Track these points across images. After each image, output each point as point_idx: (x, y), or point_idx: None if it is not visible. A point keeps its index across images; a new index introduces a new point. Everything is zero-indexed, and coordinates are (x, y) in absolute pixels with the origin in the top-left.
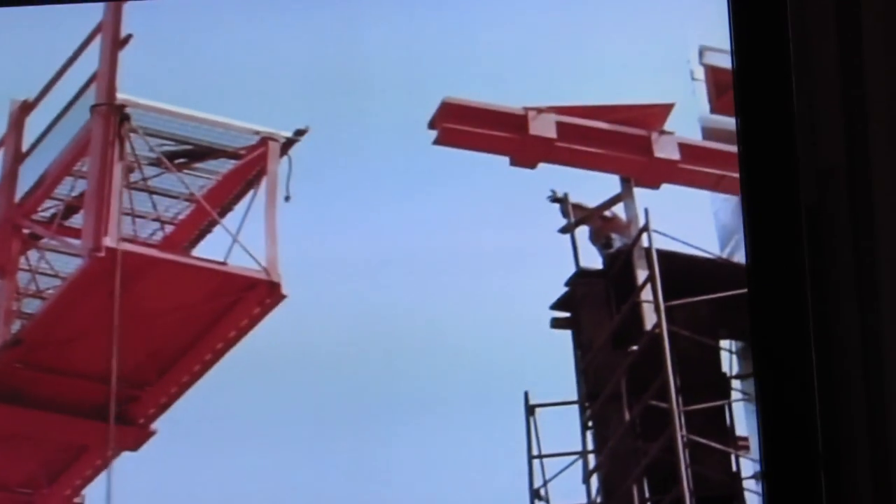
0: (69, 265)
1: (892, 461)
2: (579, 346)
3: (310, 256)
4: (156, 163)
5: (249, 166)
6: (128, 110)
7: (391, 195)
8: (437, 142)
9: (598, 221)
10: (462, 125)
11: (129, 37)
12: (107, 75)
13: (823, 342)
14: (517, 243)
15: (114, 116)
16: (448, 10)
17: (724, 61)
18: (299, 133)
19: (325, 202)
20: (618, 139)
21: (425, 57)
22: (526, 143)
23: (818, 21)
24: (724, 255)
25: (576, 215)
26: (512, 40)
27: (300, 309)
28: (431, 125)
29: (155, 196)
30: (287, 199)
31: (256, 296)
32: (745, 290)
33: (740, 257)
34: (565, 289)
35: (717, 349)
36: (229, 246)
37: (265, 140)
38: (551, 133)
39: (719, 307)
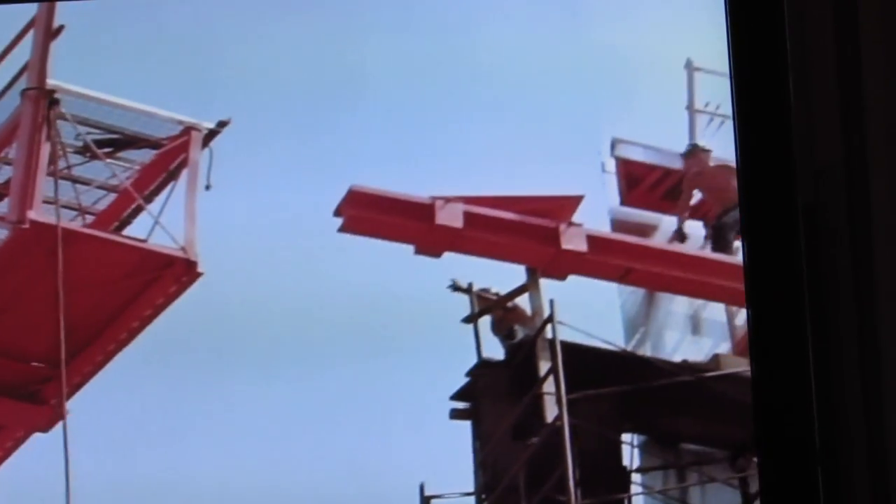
0: None
1: (889, 457)
2: (479, 437)
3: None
4: (81, 151)
5: (172, 154)
6: (57, 95)
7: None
8: (342, 229)
9: (500, 312)
10: (368, 213)
11: (61, 27)
12: (38, 62)
13: (820, 339)
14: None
15: (43, 100)
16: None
17: (636, 154)
18: (221, 124)
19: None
20: (525, 230)
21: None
22: (432, 232)
23: (815, 21)
24: (629, 348)
25: (479, 305)
26: (418, 128)
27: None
28: (337, 212)
29: (79, 184)
30: (208, 187)
31: (173, 273)
32: (650, 385)
33: (645, 350)
34: (466, 379)
35: (619, 442)
36: (150, 230)
37: (188, 129)
38: (458, 223)
39: (623, 400)
